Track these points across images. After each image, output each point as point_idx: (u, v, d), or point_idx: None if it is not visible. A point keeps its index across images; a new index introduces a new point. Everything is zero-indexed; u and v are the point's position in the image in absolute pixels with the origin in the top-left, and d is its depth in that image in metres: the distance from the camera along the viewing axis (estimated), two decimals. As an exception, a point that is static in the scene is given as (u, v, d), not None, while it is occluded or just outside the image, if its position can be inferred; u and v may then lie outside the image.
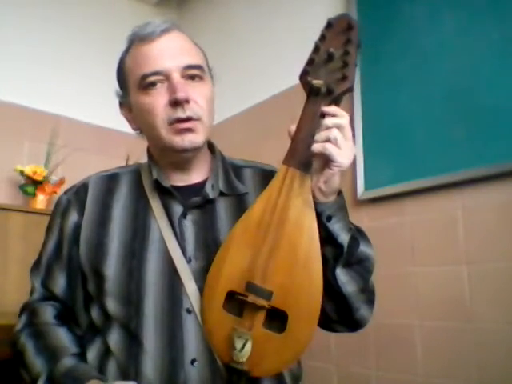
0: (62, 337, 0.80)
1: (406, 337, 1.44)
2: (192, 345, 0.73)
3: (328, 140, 0.65)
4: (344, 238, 0.72)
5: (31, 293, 0.87)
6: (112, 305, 0.77)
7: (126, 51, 0.85)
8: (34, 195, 1.98)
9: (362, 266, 0.77)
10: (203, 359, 0.72)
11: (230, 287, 0.70)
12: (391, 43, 1.57)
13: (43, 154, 2.07)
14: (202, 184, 0.85)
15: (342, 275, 0.74)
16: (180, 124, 0.78)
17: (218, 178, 0.85)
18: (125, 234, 0.80)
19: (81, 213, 0.84)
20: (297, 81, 0.73)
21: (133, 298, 0.75)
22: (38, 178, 1.97)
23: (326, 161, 0.67)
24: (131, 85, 0.82)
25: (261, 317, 0.68)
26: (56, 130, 2.11)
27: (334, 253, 0.72)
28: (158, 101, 0.78)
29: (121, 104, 0.88)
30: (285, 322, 0.68)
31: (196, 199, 0.82)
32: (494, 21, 1.32)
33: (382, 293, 1.58)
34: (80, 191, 0.87)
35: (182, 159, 0.83)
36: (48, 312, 0.83)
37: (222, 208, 0.83)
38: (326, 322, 0.79)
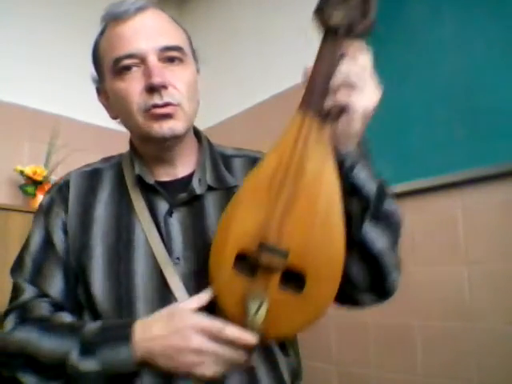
0: (71, 317, 0.72)
1: (406, 337, 1.44)
2: None
3: (348, 84, 0.59)
4: (370, 187, 0.64)
5: (16, 295, 0.76)
6: (103, 310, 0.72)
7: (101, 32, 0.78)
8: (34, 195, 1.97)
9: (390, 222, 0.70)
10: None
11: (240, 248, 0.63)
12: (391, 43, 1.57)
13: (43, 154, 2.06)
14: (189, 178, 0.78)
15: (371, 231, 0.66)
16: (157, 109, 0.71)
17: (205, 171, 0.79)
18: (108, 236, 0.75)
19: (65, 211, 0.78)
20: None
21: (123, 302, 0.71)
22: (38, 178, 1.97)
23: (347, 106, 0.59)
24: (106, 69, 0.75)
25: (276, 278, 0.61)
26: (56, 130, 2.11)
27: (359, 206, 0.65)
28: (133, 86, 0.71)
29: (98, 90, 0.81)
30: (302, 283, 0.62)
31: (182, 196, 0.76)
32: (494, 21, 1.32)
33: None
34: (62, 189, 0.81)
35: (163, 150, 0.77)
36: (44, 308, 0.73)
37: (211, 203, 0.77)
38: (352, 293, 0.70)
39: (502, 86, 1.28)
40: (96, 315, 0.73)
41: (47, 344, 0.66)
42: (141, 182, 0.78)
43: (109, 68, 0.74)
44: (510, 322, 1.22)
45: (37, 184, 1.98)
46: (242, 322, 0.61)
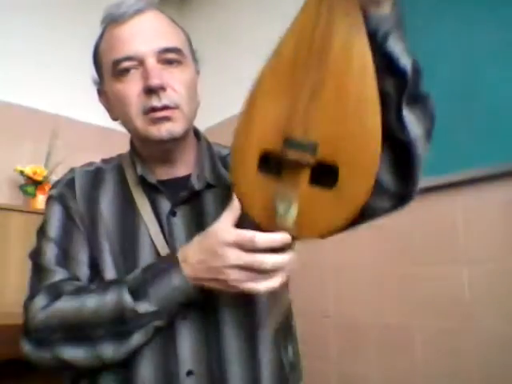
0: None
1: (406, 337, 1.44)
2: (186, 355, 0.68)
3: None
4: (406, 61, 0.57)
5: (42, 277, 0.73)
6: None
7: (101, 34, 0.78)
8: (34, 195, 1.97)
9: (426, 107, 0.65)
10: (200, 370, 0.68)
11: (264, 146, 0.57)
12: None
13: (43, 154, 2.06)
14: (189, 177, 0.79)
15: (408, 114, 0.59)
16: (155, 113, 0.71)
17: (203, 169, 0.79)
18: (114, 235, 0.75)
19: (76, 204, 0.78)
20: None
21: None
22: (38, 178, 1.97)
23: None
24: (105, 71, 0.76)
25: (306, 175, 0.56)
26: (56, 130, 2.11)
27: (395, 84, 0.57)
28: (131, 89, 0.72)
29: (99, 92, 0.82)
30: (335, 177, 0.55)
31: (183, 194, 0.77)
32: (494, 21, 1.32)
33: (382, 293, 1.59)
34: (69, 184, 0.81)
35: (163, 151, 0.77)
36: (75, 285, 0.71)
37: (210, 201, 0.77)
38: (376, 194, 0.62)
39: (502, 85, 1.28)
40: None
41: (93, 303, 0.65)
42: (143, 182, 0.78)
43: (108, 70, 0.75)
44: (509, 322, 1.22)
45: (37, 184, 1.98)
46: (273, 225, 0.57)
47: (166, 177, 0.80)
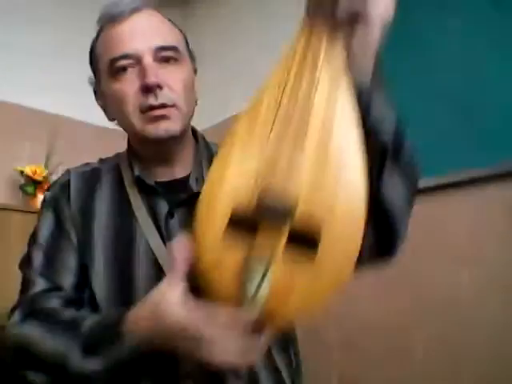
0: (74, 311, 0.69)
1: (406, 338, 1.44)
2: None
3: None
4: (391, 121, 0.55)
5: (24, 289, 0.74)
6: (103, 307, 0.71)
7: (97, 34, 0.77)
8: (33, 195, 1.98)
9: (411, 168, 0.60)
10: (197, 371, 0.65)
11: (234, 204, 0.49)
12: (391, 43, 1.57)
13: (43, 154, 2.07)
14: (188, 178, 0.77)
15: (389, 176, 0.56)
16: (153, 111, 0.70)
17: (202, 170, 0.78)
18: (108, 238, 0.74)
19: (69, 207, 0.77)
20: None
21: (126, 305, 0.66)
22: (38, 178, 1.97)
23: (362, 14, 0.49)
24: (102, 71, 0.75)
25: (281, 241, 0.48)
26: (56, 130, 2.11)
27: (378, 145, 0.55)
28: (128, 87, 0.71)
29: (95, 92, 0.82)
30: (314, 245, 0.48)
31: (182, 196, 0.75)
32: (495, 21, 1.32)
33: (382, 293, 1.59)
34: (64, 186, 0.80)
35: (161, 151, 0.76)
36: (53, 301, 0.71)
37: None
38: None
39: (502, 85, 1.28)
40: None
41: (49, 345, 0.64)
42: (140, 183, 0.77)
43: (105, 69, 0.74)
44: (509, 322, 1.22)
45: (37, 184, 1.98)
46: (240, 300, 0.48)
47: (164, 178, 0.79)
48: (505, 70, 1.28)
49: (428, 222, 1.43)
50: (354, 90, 0.51)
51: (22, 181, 2.00)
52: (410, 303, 1.44)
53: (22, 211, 1.83)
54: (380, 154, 0.55)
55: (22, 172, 1.97)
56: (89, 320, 0.64)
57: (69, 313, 0.69)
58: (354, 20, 0.50)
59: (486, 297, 1.27)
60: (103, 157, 0.89)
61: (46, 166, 2.03)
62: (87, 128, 2.29)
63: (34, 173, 1.96)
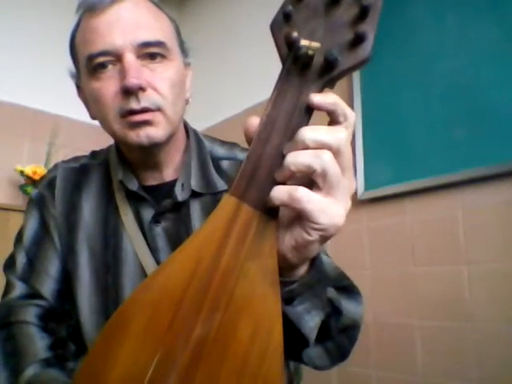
0: (35, 338, 0.66)
1: (406, 337, 1.44)
2: None
3: (309, 169, 0.36)
4: (311, 325, 0.48)
5: (5, 292, 0.71)
6: (87, 321, 0.68)
7: (77, 24, 0.69)
8: (34, 195, 1.98)
9: (345, 337, 0.59)
10: None
11: None
12: (392, 43, 1.57)
13: (43, 154, 2.07)
14: (175, 182, 0.71)
15: (312, 352, 0.56)
16: (133, 116, 0.62)
17: (190, 175, 0.71)
18: (94, 243, 0.70)
19: (54, 207, 0.73)
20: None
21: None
22: (38, 178, 1.97)
23: (302, 213, 0.37)
24: (81, 66, 0.67)
25: None
26: (56, 130, 2.11)
27: (298, 342, 0.50)
28: (107, 87, 0.63)
29: (77, 86, 0.74)
30: None
31: (167, 202, 0.69)
32: (493, 20, 1.32)
33: (382, 293, 1.59)
34: (50, 184, 0.76)
35: (145, 156, 0.69)
36: (29, 311, 0.68)
37: (196, 210, 0.69)
38: None
39: (502, 85, 1.28)
40: (80, 326, 0.69)
41: None
42: (125, 188, 0.72)
43: (83, 65, 0.66)
44: (509, 322, 1.22)
45: (37, 184, 1.98)
46: None
47: (151, 182, 0.73)
48: (505, 69, 1.28)
49: (428, 222, 1.43)
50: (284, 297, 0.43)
51: (22, 181, 2.00)
52: (410, 303, 1.44)
53: (22, 211, 1.83)
54: (299, 345, 0.51)
55: (22, 172, 1.97)
56: (30, 370, 0.61)
57: (33, 338, 0.65)
58: (293, 217, 0.39)
59: (486, 296, 1.27)
60: (93, 150, 0.85)
61: (46, 166, 2.03)
62: (87, 128, 2.28)
63: (34, 173, 1.96)
